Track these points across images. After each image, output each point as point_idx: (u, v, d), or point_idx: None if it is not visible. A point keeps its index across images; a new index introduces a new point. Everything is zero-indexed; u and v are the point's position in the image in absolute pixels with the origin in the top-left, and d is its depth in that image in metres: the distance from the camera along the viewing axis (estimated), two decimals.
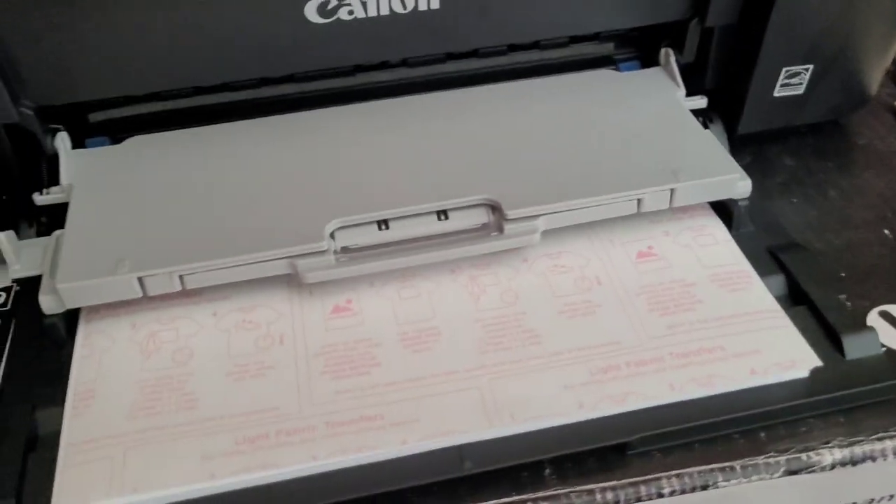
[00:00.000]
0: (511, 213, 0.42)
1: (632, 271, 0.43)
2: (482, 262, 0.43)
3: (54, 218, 0.45)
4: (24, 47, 0.41)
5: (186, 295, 0.42)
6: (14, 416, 0.37)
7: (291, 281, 0.42)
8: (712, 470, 0.36)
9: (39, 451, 0.36)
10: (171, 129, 0.48)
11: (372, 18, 0.44)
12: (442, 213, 0.43)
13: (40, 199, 0.45)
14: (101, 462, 0.35)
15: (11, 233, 0.42)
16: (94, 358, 0.40)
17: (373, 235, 0.42)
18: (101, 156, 0.47)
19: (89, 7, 0.40)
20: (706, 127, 0.50)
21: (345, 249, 0.42)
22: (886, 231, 0.48)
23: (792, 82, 0.49)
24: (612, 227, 0.45)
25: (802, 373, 0.38)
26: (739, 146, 0.52)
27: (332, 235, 0.41)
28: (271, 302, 0.42)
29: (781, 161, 0.53)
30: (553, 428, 0.36)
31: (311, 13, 0.43)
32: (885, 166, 0.52)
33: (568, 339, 0.40)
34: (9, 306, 0.46)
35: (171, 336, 0.40)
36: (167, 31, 0.42)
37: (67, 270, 0.39)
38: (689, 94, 0.50)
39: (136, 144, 0.47)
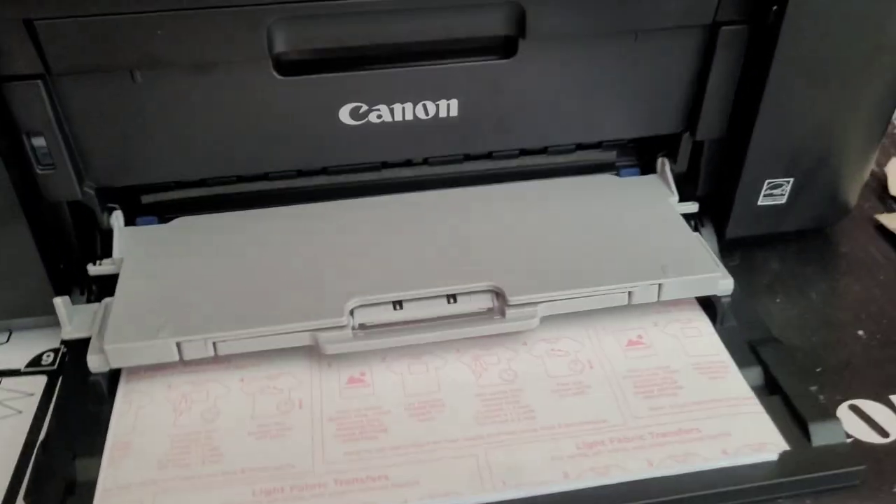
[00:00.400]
0: (513, 300, 0.46)
1: (621, 357, 0.47)
2: (485, 342, 0.48)
3: (104, 286, 0.50)
4: (92, 137, 0.47)
5: (217, 361, 0.46)
6: (56, 462, 0.42)
7: (312, 352, 0.47)
8: None
9: (78, 495, 0.40)
10: (213, 213, 0.54)
11: (398, 123, 0.49)
12: (451, 297, 0.47)
13: (94, 269, 0.50)
14: None
15: (67, 298, 0.47)
16: (131, 413, 0.44)
17: (388, 314, 0.47)
18: (150, 233, 0.52)
19: (152, 107, 0.46)
20: (697, 230, 0.55)
21: (362, 326, 0.46)
22: (861, 332, 0.52)
23: (774, 193, 0.54)
24: (606, 316, 0.49)
25: (772, 456, 0.41)
26: (729, 249, 0.57)
27: (351, 312, 0.46)
28: (293, 370, 0.46)
29: (768, 264, 0.57)
30: (541, 496, 0.40)
31: (344, 116, 0.49)
32: (863, 273, 0.57)
33: (559, 416, 0.43)
34: (56, 366, 0.51)
35: (201, 396, 0.45)
36: (218, 129, 0.48)
37: (114, 334, 0.44)
38: (682, 199, 0.55)
39: (182, 224, 0.53)
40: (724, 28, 0.48)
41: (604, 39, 0.48)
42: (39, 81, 0.43)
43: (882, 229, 0.60)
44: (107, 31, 0.41)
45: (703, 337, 0.48)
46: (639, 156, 0.58)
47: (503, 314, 0.46)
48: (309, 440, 0.42)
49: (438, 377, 0.46)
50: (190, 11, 0.42)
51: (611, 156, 0.58)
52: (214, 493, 0.40)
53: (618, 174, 0.58)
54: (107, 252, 0.51)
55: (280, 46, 0.44)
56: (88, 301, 0.51)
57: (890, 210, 0.62)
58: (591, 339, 0.48)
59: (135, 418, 0.44)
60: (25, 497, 0.40)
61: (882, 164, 0.66)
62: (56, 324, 0.50)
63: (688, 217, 0.54)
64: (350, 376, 0.46)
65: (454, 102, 0.49)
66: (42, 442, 0.44)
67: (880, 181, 0.65)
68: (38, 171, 0.46)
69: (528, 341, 0.48)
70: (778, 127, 0.50)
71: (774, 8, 0.46)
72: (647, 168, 0.58)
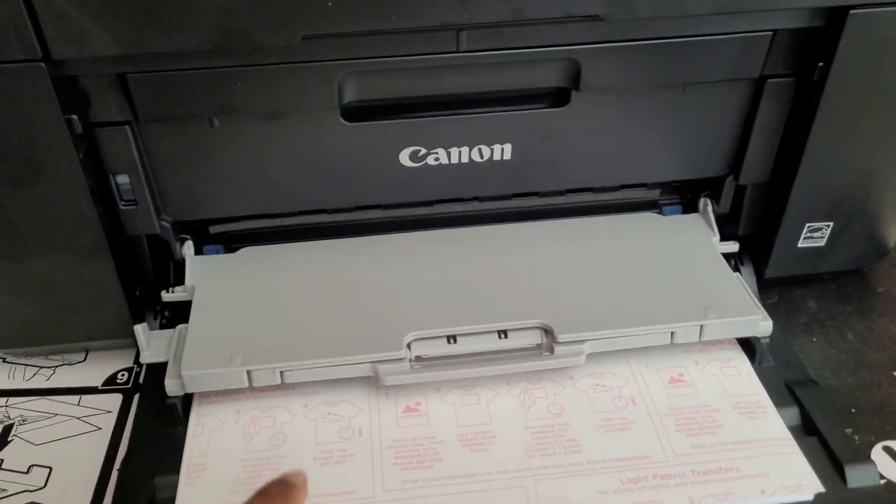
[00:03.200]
0: (562, 338, 0.49)
1: (663, 394, 0.49)
2: (534, 377, 0.50)
3: (176, 312, 0.54)
4: (171, 176, 0.50)
5: (282, 388, 0.49)
6: (138, 481, 0.45)
7: (371, 382, 0.50)
8: None
9: None
10: (276, 243, 0.57)
11: (454, 165, 0.52)
12: (502, 333, 0.50)
13: (167, 296, 0.54)
14: None
15: (145, 325, 0.51)
16: (204, 436, 0.47)
17: (443, 347, 0.49)
18: (219, 263, 0.56)
19: (226, 150, 0.50)
20: (737, 269, 0.57)
21: (418, 358, 0.49)
22: None
23: (814, 236, 0.56)
24: (648, 354, 0.51)
25: (807, 496, 0.43)
26: (768, 287, 0.59)
27: (408, 346, 0.49)
28: (353, 398, 0.49)
29: (805, 303, 0.59)
30: None
31: (404, 159, 0.51)
32: None
33: (604, 450, 0.46)
34: (130, 385, 0.55)
35: (269, 422, 0.48)
36: (287, 169, 0.51)
37: (190, 361, 0.48)
38: (723, 238, 0.57)
39: (248, 254, 0.56)
40: (770, 81, 0.50)
41: (653, 91, 0.51)
42: (127, 127, 0.46)
43: None
44: (190, 84, 0.45)
45: (742, 376, 0.51)
46: (681, 194, 0.60)
47: (552, 350, 0.49)
48: (369, 467, 0.45)
49: (489, 409, 0.49)
50: (267, 66, 0.45)
51: (654, 194, 0.60)
52: None
53: (660, 212, 0.60)
54: (178, 280, 0.54)
55: (348, 97, 0.47)
56: (161, 325, 0.54)
57: None
58: (635, 375, 0.51)
59: (208, 441, 0.47)
60: None
61: None
62: (129, 345, 0.54)
63: (728, 256, 0.56)
64: (406, 406, 0.49)
65: (507, 147, 0.52)
66: (123, 460, 0.48)
67: None
68: (122, 208, 0.50)
69: (575, 376, 0.51)
70: (820, 173, 0.52)
71: (821, 64, 0.48)
72: (690, 206, 0.60)
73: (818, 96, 0.49)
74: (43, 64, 0.41)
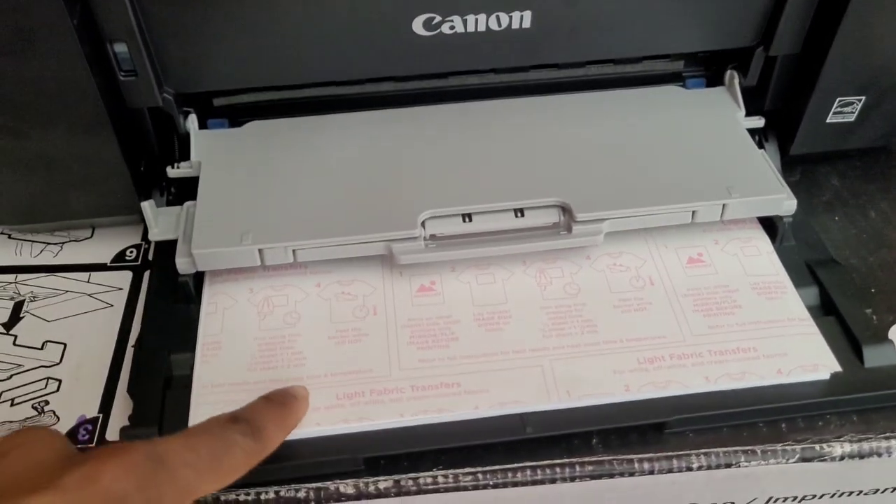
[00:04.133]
0: (580, 216, 0.48)
1: (681, 274, 0.49)
2: (550, 256, 0.50)
3: (182, 188, 0.52)
4: (172, 45, 0.47)
5: (294, 267, 0.49)
6: (154, 359, 0.45)
7: (384, 261, 0.49)
8: (736, 452, 0.42)
9: (174, 389, 0.44)
10: (282, 117, 0.55)
11: (471, 34, 0.49)
12: (519, 211, 0.49)
13: (172, 172, 0.52)
14: (227, 405, 0.42)
15: (153, 202, 0.50)
16: (218, 315, 0.47)
17: (458, 226, 0.48)
18: (224, 137, 0.54)
19: (229, 15, 0.47)
20: (761, 145, 0.55)
21: (433, 237, 0.48)
22: None
23: (844, 111, 0.53)
24: (667, 233, 0.50)
25: (824, 375, 0.44)
26: (790, 164, 0.57)
27: (423, 224, 0.48)
28: (366, 278, 0.49)
29: (828, 181, 0.58)
30: (602, 405, 0.43)
31: (417, 27, 0.49)
32: None
33: (621, 330, 0.46)
34: (139, 262, 0.54)
35: (282, 301, 0.48)
36: (294, 37, 0.48)
37: (201, 239, 0.47)
38: (749, 113, 0.55)
39: (254, 129, 0.54)
40: None
41: None
42: None
43: None
44: None
45: (763, 256, 0.50)
46: (706, 66, 0.58)
47: (569, 229, 0.48)
48: (385, 346, 0.45)
49: (505, 289, 0.48)
50: None
51: (678, 66, 0.58)
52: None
53: (684, 85, 0.58)
54: (184, 155, 0.53)
55: None
56: (168, 202, 0.53)
57: None
58: (653, 255, 0.50)
59: (222, 320, 0.47)
60: (129, 391, 0.44)
61: None
62: (136, 222, 0.53)
63: (752, 132, 0.54)
64: (421, 285, 0.48)
65: (527, 14, 0.49)
66: (138, 338, 0.48)
67: None
68: (121, 78, 0.47)
69: (592, 255, 0.50)
70: (855, 45, 0.50)
71: None
72: (714, 79, 0.57)
73: None
74: None
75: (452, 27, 0.49)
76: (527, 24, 0.49)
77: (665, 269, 0.49)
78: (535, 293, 0.48)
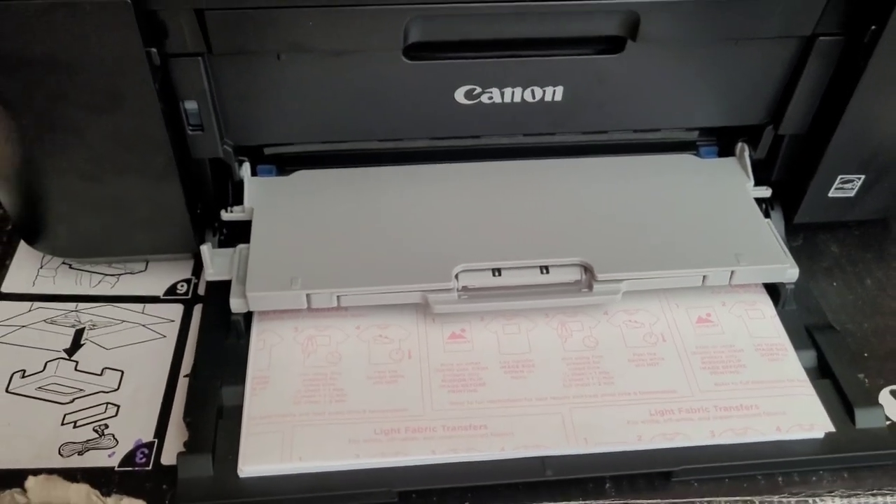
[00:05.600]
0: (601, 276, 0.52)
1: (691, 333, 0.53)
2: (571, 310, 0.54)
3: (234, 230, 0.57)
4: (236, 104, 0.52)
5: (336, 309, 0.53)
6: (208, 390, 0.49)
7: (419, 308, 0.53)
8: (737, 501, 0.46)
9: (226, 419, 0.48)
10: (326, 166, 0.59)
11: (507, 104, 0.54)
12: (544, 268, 0.53)
13: (226, 215, 0.56)
14: (275, 434, 0.47)
15: (210, 245, 0.54)
16: (266, 351, 0.51)
17: (488, 279, 0.53)
18: (275, 185, 0.58)
19: (291, 81, 0.51)
20: (768, 214, 0.60)
21: (465, 288, 0.53)
22: None
23: (845, 187, 0.58)
24: (679, 293, 0.55)
25: (818, 434, 0.48)
26: (794, 230, 0.62)
27: (456, 276, 0.52)
28: (402, 323, 0.53)
29: (828, 247, 0.62)
30: (616, 452, 0.47)
31: (459, 96, 0.53)
32: None
33: (635, 383, 0.50)
34: (189, 295, 0.58)
35: (325, 341, 0.52)
36: (347, 102, 0.53)
37: (254, 283, 0.51)
38: (757, 182, 0.60)
39: (302, 178, 0.59)
40: (820, 38, 0.51)
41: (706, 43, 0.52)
42: (200, 58, 0.48)
43: None
44: (264, 21, 0.46)
45: (766, 319, 0.54)
46: (719, 136, 0.62)
47: (590, 287, 0.52)
48: (419, 388, 0.50)
49: (529, 339, 0.53)
50: (340, 7, 0.46)
51: (693, 135, 0.62)
52: (342, 430, 0.47)
53: (697, 153, 0.62)
54: (236, 200, 0.57)
55: (412, 38, 0.49)
56: (220, 242, 0.57)
57: None
58: (665, 313, 0.54)
59: (269, 355, 0.51)
60: (184, 419, 0.48)
61: None
62: (186, 258, 0.58)
63: (759, 201, 0.59)
64: (452, 332, 0.53)
65: (559, 89, 0.54)
66: (192, 370, 0.52)
67: None
68: (189, 132, 0.52)
69: (609, 311, 0.54)
70: (858, 129, 0.54)
71: (873, 27, 0.49)
72: (726, 148, 0.62)
73: (867, 57, 0.50)
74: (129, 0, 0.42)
75: (491, 97, 0.54)
76: (558, 97, 0.54)
77: (676, 326, 0.53)
78: (557, 344, 0.52)
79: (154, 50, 0.46)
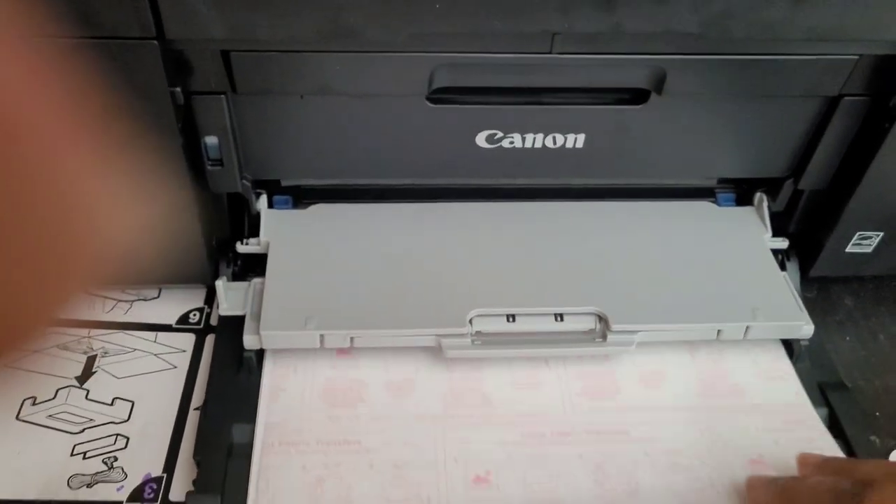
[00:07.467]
0: (615, 327, 0.52)
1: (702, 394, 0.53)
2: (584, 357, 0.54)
3: (248, 262, 0.57)
4: (256, 141, 0.52)
5: (347, 349, 0.53)
6: (219, 429, 0.49)
7: (431, 351, 0.53)
8: None
9: (235, 458, 0.48)
10: (342, 200, 0.59)
11: (527, 149, 0.54)
12: (559, 316, 0.53)
13: (242, 248, 0.56)
14: (283, 478, 0.47)
15: (224, 279, 0.54)
16: (277, 389, 0.51)
17: (502, 325, 0.53)
18: (291, 217, 0.58)
19: (313, 120, 0.51)
20: (784, 265, 0.59)
21: (479, 333, 0.52)
22: None
23: (863, 243, 0.58)
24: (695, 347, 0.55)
25: None
26: (808, 281, 0.62)
27: (470, 321, 0.52)
28: (415, 364, 0.53)
29: (842, 300, 0.62)
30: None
31: (480, 140, 0.53)
32: None
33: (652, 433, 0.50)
34: (201, 325, 0.58)
35: (344, 383, 0.52)
36: (368, 142, 0.53)
37: (269, 321, 0.51)
38: (774, 234, 0.59)
39: (319, 211, 0.59)
40: (846, 98, 0.51)
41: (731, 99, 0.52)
42: (223, 96, 0.48)
43: None
44: (289, 64, 0.46)
45: (784, 380, 0.54)
46: (737, 185, 0.62)
47: (604, 337, 0.52)
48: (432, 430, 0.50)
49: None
50: (367, 53, 0.46)
51: (711, 182, 0.62)
52: (362, 475, 0.47)
53: (715, 200, 0.62)
54: (252, 231, 0.57)
55: (437, 84, 0.49)
56: (234, 274, 0.57)
57: None
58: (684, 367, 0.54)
59: (281, 395, 0.51)
60: (194, 457, 0.48)
61: None
62: (199, 287, 0.58)
63: (776, 252, 0.59)
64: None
65: (581, 136, 0.54)
66: (203, 406, 0.52)
67: None
68: (208, 168, 0.52)
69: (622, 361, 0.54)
70: (880, 189, 0.54)
71: None
72: (744, 196, 0.62)
73: (892, 119, 0.50)
74: (156, 41, 0.42)
75: (512, 142, 0.54)
76: (580, 144, 0.54)
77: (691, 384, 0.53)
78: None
79: (178, 90, 0.46)
